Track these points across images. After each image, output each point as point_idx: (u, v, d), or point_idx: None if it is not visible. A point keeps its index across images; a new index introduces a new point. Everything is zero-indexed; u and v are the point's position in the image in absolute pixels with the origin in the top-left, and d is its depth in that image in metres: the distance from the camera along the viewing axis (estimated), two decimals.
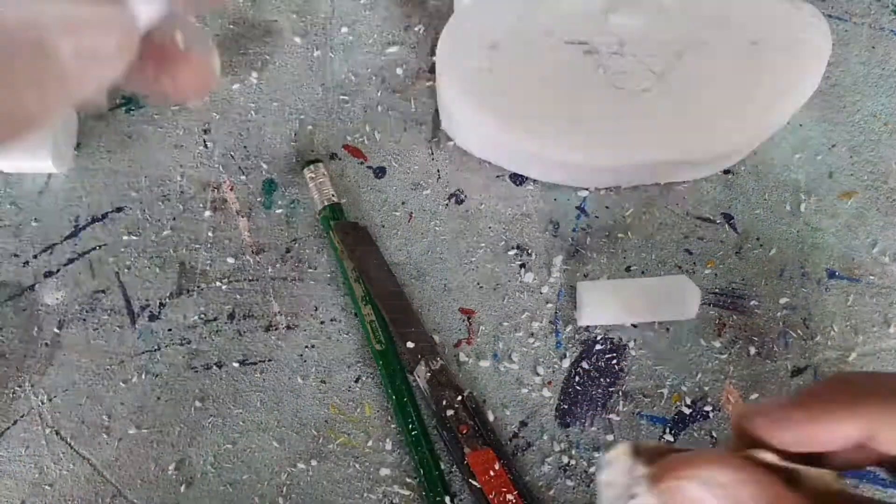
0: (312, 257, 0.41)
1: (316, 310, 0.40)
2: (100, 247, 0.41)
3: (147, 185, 0.42)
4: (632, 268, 0.40)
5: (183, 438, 0.38)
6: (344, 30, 0.45)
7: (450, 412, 0.36)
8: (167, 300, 0.40)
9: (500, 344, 0.39)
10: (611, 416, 0.37)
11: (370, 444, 0.37)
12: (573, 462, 0.37)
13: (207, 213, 0.41)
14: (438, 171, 0.42)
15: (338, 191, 0.41)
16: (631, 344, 0.39)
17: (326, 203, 0.40)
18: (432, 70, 0.44)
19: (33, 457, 0.37)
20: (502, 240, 0.41)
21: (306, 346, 0.39)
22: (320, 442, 0.37)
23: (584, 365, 0.38)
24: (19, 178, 0.42)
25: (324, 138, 0.43)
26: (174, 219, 0.41)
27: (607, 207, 0.41)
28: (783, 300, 0.39)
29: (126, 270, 0.40)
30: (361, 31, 0.45)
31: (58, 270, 0.41)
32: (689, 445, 0.37)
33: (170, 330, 0.39)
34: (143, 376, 0.39)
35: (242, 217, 0.41)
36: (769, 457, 0.21)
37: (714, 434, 0.37)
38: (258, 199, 0.42)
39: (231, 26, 0.45)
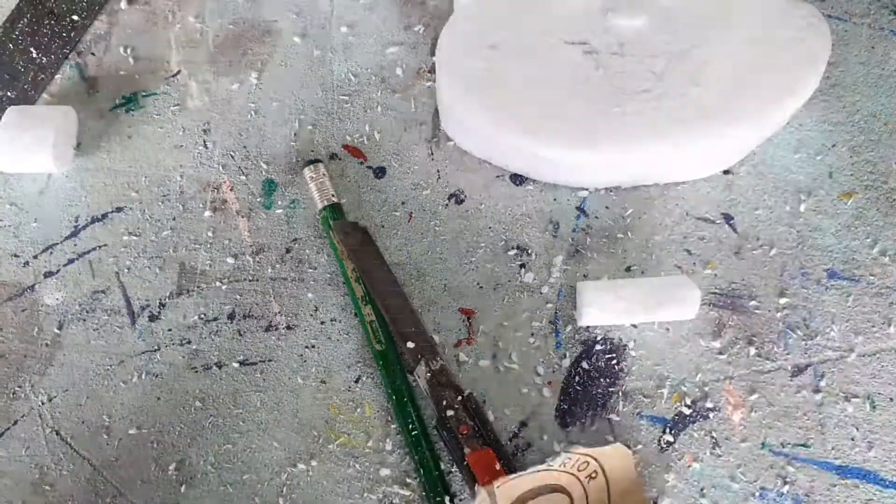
0: (312, 257, 0.41)
1: (316, 310, 0.40)
2: (100, 247, 0.41)
3: (147, 185, 0.42)
4: (632, 268, 0.40)
5: (183, 438, 0.38)
6: (344, 30, 0.45)
7: (450, 412, 0.36)
8: (167, 300, 0.40)
9: (500, 344, 0.39)
10: (611, 416, 0.37)
11: (370, 444, 0.37)
12: None
13: (207, 214, 0.41)
14: (438, 171, 0.42)
15: (338, 191, 0.41)
16: (631, 344, 0.39)
17: (326, 203, 0.40)
18: (432, 70, 0.44)
19: (33, 457, 0.37)
20: (502, 240, 0.41)
21: (306, 347, 0.39)
22: (320, 442, 0.37)
23: (584, 365, 0.38)
24: (19, 178, 0.42)
25: (324, 138, 0.43)
26: (174, 219, 0.41)
27: (607, 207, 0.41)
28: (783, 300, 0.39)
29: (126, 270, 0.40)
30: (361, 31, 0.45)
31: (58, 271, 0.41)
32: (690, 445, 0.37)
33: (170, 330, 0.39)
34: (143, 376, 0.39)
35: (242, 217, 0.41)
36: None
37: (714, 434, 0.37)
38: (258, 199, 0.42)
39: (231, 26, 0.45)
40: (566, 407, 0.38)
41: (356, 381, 0.38)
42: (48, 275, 0.40)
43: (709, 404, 0.37)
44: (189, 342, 0.39)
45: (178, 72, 0.44)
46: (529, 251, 0.40)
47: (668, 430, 0.37)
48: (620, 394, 0.38)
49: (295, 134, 0.43)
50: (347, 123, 0.43)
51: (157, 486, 0.37)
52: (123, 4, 0.46)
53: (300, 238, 0.41)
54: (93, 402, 0.38)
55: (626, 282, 0.38)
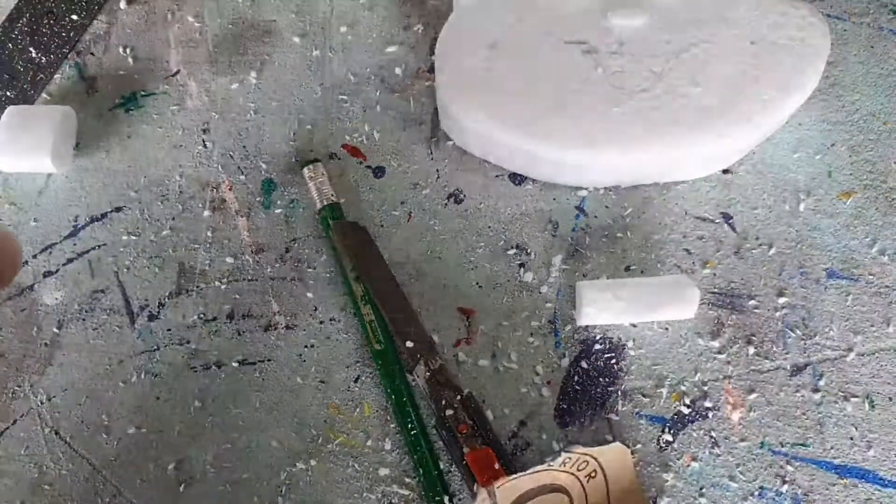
0: (312, 257, 0.41)
1: (315, 310, 0.40)
2: (99, 247, 0.41)
3: (146, 184, 0.42)
4: (631, 267, 0.40)
5: (182, 438, 0.38)
6: (343, 29, 0.45)
7: (449, 412, 0.36)
8: (166, 300, 0.40)
9: (499, 343, 0.39)
10: (610, 415, 0.37)
11: (369, 443, 0.37)
12: None
13: (206, 213, 0.41)
14: (437, 170, 0.42)
15: (337, 190, 0.41)
16: (630, 343, 0.39)
17: (325, 203, 0.40)
18: (431, 70, 0.44)
19: (33, 457, 0.37)
20: (501, 239, 0.41)
21: (305, 346, 0.39)
22: (319, 442, 0.37)
23: (584, 364, 0.38)
24: (18, 177, 0.42)
25: (323, 138, 0.43)
26: (173, 219, 0.41)
27: (606, 207, 0.41)
28: (782, 300, 0.39)
29: (125, 270, 0.40)
30: (360, 31, 0.45)
31: (57, 270, 0.41)
32: (689, 445, 0.37)
33: (169, 330, 0.39)
34: (143, 376, 0.39)
35: (241, 217, 0.41)
36: None
37: (713, 434, 0.37)
38: (257, 199, 0.42)
39: (230, 26, 0.45)
40: (565, 406, 0.38)
41: (355, 381, 0.38)
42: (47, 274, 0.40)
43: (708, 404, 0.37)
44: (188, 342, 0.39)
45: (178, 71, 0.44)
46: (528, 251, 0.40)
47: (667, 430, 0.37)
48: (619, 393, 0.38)
49: (294, 134, 0.43)
50: (346, 123, 0.43)
51: (156, 485, 0.37)
52: (123, 4, 0.46)
53: (299, 238, 0.41)
54: (92, 401, 0.38)
55: (625, 281, 0.38)
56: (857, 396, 0.37)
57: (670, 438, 0.37)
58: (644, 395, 0.38)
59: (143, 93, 0.44)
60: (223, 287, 0.40)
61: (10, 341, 0.39)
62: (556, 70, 0.39)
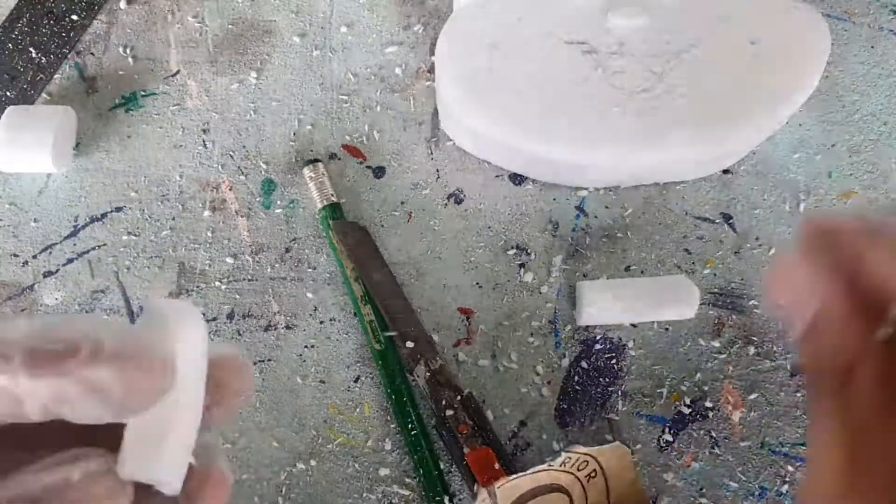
0: (312, 257, 0.41)
1: (315, 310, 0.40)
2: (99, 247, 0.41)
3: (146, 184, 0.42)
4: (631, 267, 0.40)
5: None
6: (343, 29, 0.45)
7: (449, 412, 0.36)
8: None
9: (499, 343, 0.39)
10: (610, 415, 0.37)
11: (369, 443, 0.37)
12: None
13: (207, 213, 0.41)
14: (438, 170, 0.42)
15: (337, 190, 0.41)
16: (630, 344, 0.39)
17: (326, 203, 0.40)
18: (431, 70, 0.44)
19: None
20: (501, 239, 0.41)
21: (305, 346, 0.39)
22: (319, 442, 0.37)
23: (584, 364, 0.38)
24: (18, 177, 0.42)
25: (323, 138, 0.43)
26: (173, 219, 0.41)
27: (607, 207, 0.41)
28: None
29: (125, 270, 0.40)
30: (361, 31, 0.45)
31: (57, 270, 0.41)
32: (689, 445, 0.37)
33: None
34: None
35: (242, 217, 0.41)
36: None
37: (713, 434, 0.37)
38: (257, 199, 0.42)
39: (230, 26, 0.45)
40: (565, 406, 0.38)
41: (355, 381, 0.38)
42: (47, 274, 0.40)
43: (708, 404, 0.37)
44: None
45: (178, 71, 0.44)
46: (529, 251, 0.40)
47: (667, 430, 0.37)
48: (620, 393, 0.38)
49: (294, 134, 0.43)
50: (347, 123, 0.43)
51: None
52: (123, 4, 0.46)
53: (299, 238, 0.41)
54: None
55: (625, 281, 0.38)
56: None
57: (670, 438, 0.37)
58: (644, 395, 0.38)
59: (143, 93, 0.44)
60: (223, 287, 0.40)
61: None
62: (556, 70, 0.39)
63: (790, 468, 0.36)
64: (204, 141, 0.43)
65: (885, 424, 0.19)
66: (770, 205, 0.41)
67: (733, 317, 0.39)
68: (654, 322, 0.39)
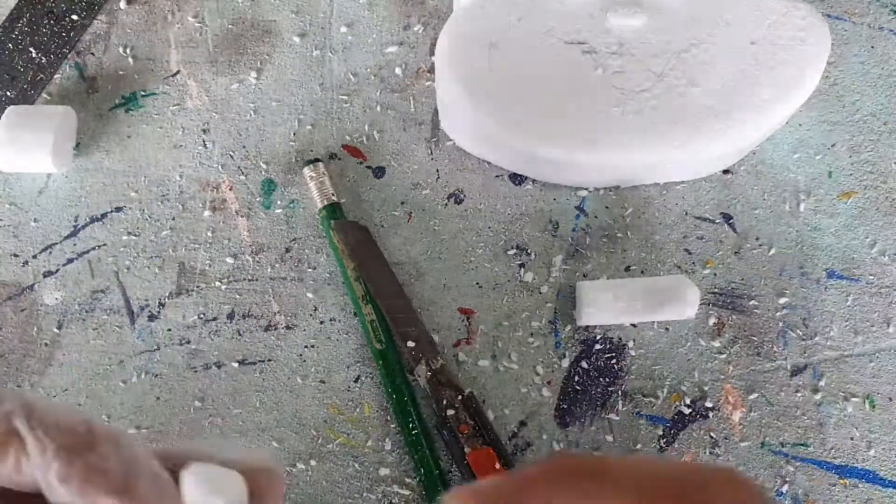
0: (312, 257, 0.41)
1: (315, 310, 0.40)
2: (99, 247, 0.41)
3: (146, 184, 0.42)
4: (631, 267, 0.40)
5: (182, 438, 0.37)
6: (343, 29, 0.45)
7: (450, 412, 0.36)
8: (166, 300, 0.40)
9: (499, 343, 0.39)
10: (610, 415, 0.37)
11: (370, 443, 0.37)
12: None
13: (207, 213, 0.41)
14: (438, 170, 0.42)
15: (337, 190, 0.41)
16: (630, 344, 0.39)
17: (326, 202, 0.40)
18: (432, 70, 0.44)
19: None
20: (502, 239, 0.41)
21: (306, 346, 0.39)
22: (319, 442, 0.37)
23: (584, 364, 0.38)
24: (18, 177, 0.42)
25: (323, 138, 0.43)
26: (173, 219, 0.41)
27: (607, 207, 0.41)
28: (782, 300, 0.39)
29: (125, 270, 0.40)
30: (361, 31, 0.45)
31: (57, 270, 0.41)
32: (689, 445, 0.37)
33: (169, 330, 0.39)
34: (143, 376, 0.39)
35: (242, 217, 0.41)
36: None
37: (713, 434, 0.37)
38: (257, 199, 0.42)
39: (230, 26, 0.45)
40: (565, 406, 0.38)
41: (356, 381, 0.38)
42: (47, 274, 0.40)
43: (708, 404, 0.37)
44: (188, 342, 0.39)
45: (178, 71, 0.44)
46: (529, 251, 0.40)
47: (667, 430, 0.37)
48: (620, 393, 0.38)
49: (294, 134, 0.43)
50: (347, 123, 0.43)
51: None
52: (123, 4, 0.46)
53: (300, 238, 0.41)
54: (92, 401, 0.38)
55: (625, 281, 0.38)
56: (857, 396, 0.37)
57: (670, 438, 0.37)
58: (644, 396, 0.38)
59: (143, 93, 0.44)
60: (223, 287, 0.40)
61: (10, 341, 0.39)
62: (556, 70, 0.39)
63: (790, 468, 0.36)
64: (204, 141, 0.43)
65: None
66: (770, 205, 0.41)
67: (733, 317, 0.39)
68: (654, 322, 0.39)
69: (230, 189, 0.42)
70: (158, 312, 0.40)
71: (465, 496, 0.21)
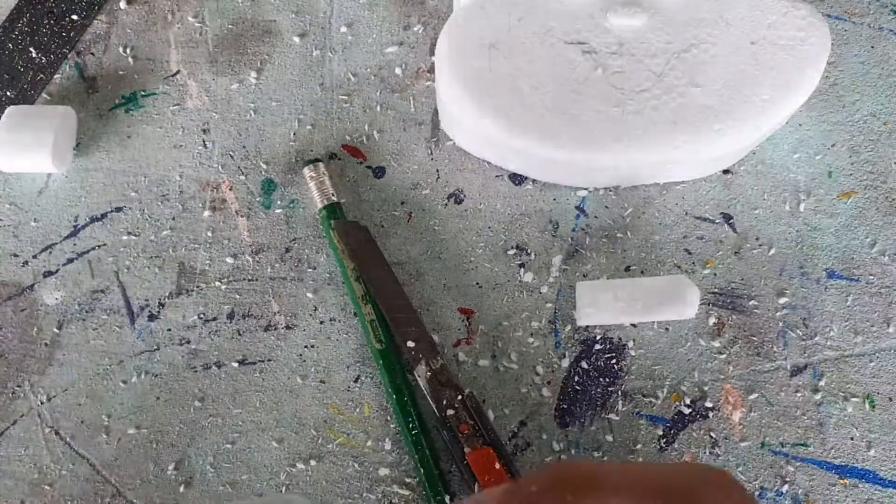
0: (312, 257, 0.41)
1: (315, 310, 0.40)
2: (99, 247, 0.41)
3: (146, 184, 0.42)
4: (631, 268, 0.40)
5: (182, 438, 0.38)
6: (343, 29, 0.45)
7: (450, 412, 0.36)
8: (166, 300, 0.40)
9: (499, 344, 0.39)
10: (610, 415, 0.37)
11: (369, 443, 0.37)
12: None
13: (207, 213, 0.41)
14: (438, 170, 0.42)
15: (337, 190, 0.41)
16: (630, 344, 0.39)
17: (326, 202, 0.40)
18: (432, 70, 0.44)
19: (33, 457, 0.37)
20: (501, 239, 0.41)
21: (305, 346, 0.39)
22: (319, 442, 0.37)
23: (584, 365, 0.38)
24: (18, 177, 0.42)
25: (323, 138, 0.43)
26: (173, 219, 0.41)
27: (606, 207, 0.41)
28: (782, 300, 0.39)
29: (125, 270, 0.40)
30: (361, 31, 0.45)
31: (57, 270, 0.41)
32: (689, 445, 0.37)
33: (169, 330, 0.39)
34: (143, 376, 0.39)
35: (242, 217, 0.41)
36: None
37: (713, 434, 0.37)
38: (257, 199, 0.42)
39: (230, 26, 0.45)
40: (565, 406, 0.38)
41: (356, 381, 0.38)
42: (47, 274, 0.40)
43: (708, 404, 0.37)
44: (188, 342, 0.39)
45: (178, 71, 0.44)
46: (528, 251, 0.40)
47: (667, 430, 0.37)
48: (620, 393, 0.38)
49: (294, 134, 0.43)
50: (347, 123, 0.43)
51: (156, 485, 0.37)
52: (123, 4, 0.46)
53: (299, 238, 0.41)
54: (92, 401, 0.38)
55: (625, 281, 0.38)
56: (857, 396, 0.37)
57: (670, 438, 0.37)
58: (644, 395, 0.38)
59: (143, 93, 0.44)
60: (223, 287, 0.40)
61: (10, 341, 0.39)
62: (556, 70, 0.39)
63: (790, 468, 0.36)
64: (204, 141, 0.43)
65: None
66: (770, 205, 0.41)
67: (733, 317, 0.39)
68: (654, 322, 0.39)
69: (230, 189, 0.42)
70: (158, 312, 0.40)
71: None
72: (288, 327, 0.39)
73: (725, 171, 0.42)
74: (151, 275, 0.40)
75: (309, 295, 0.40)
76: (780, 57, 0.38)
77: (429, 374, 0.36)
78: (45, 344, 0.39)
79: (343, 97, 0.44)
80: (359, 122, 0.43)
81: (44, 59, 0.45)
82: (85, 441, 0.38)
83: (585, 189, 0.42)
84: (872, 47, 0.44)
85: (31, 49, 0.45)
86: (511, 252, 0.40)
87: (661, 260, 0.40)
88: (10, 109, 0.41)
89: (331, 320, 0.39)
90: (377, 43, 0.45)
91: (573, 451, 0.37)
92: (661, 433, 0.37)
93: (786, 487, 0.36)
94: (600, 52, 0.39)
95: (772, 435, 0.37)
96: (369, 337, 0.38)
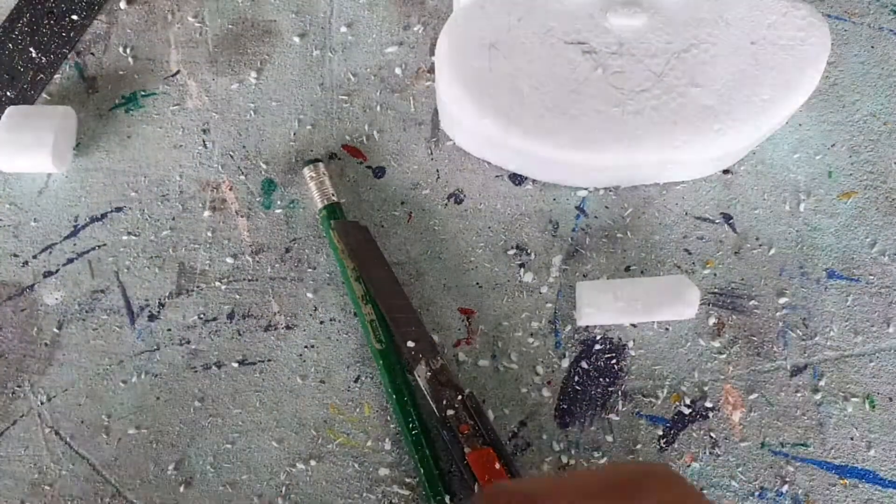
0: (312, 257, 0.41)
1: (315, 310, 0.40)
2: (99, 247, 0.41)
3: (146, 184, 0.42)
4: (631, 268, 0.40)
5: (182, 438, 0.38)
6: (343, 29, 0.45)
7: (450, 412, 0.36)
8: (166, 300, 0.40)
9: (499, 344, 0.39)
10: (610, 416, 0.37)
11: (369, 444, 0.37)
12: (572, 462, 0.37)
13: (207, 213, 0.41)
14: (437, 170, 0.42)
15: (337, 190, 0.41)
16: (630, 344, 0.39)
17: (326, 202, 0.40)
18: (431, 70, 0.44)
19: (33, 457, 0.37)
20: (501, 239, 0.41)
21: (305, 346, 0.39)
22: (319, 442, 0.37)
23: (584, 365, 0.38)
24: (19, 177, 0.42)
25: (323, 138, 0.43)
26: (173, 219, 0.41)
27: (606, 207, 0.41)
28: (782, 300, 0.39)
29: (125, 270, 0.40)
30: (361, 31, 0.45)
31: (57, 270, 0.41)
32: (689, 445, 0.37)
33: (169, 330, 0.39)
34: (143, 376, 0.39)
35: (242, 217, 0.41)
36: None
37: (713, 434, 0.37)
38: (257, 199, 0.42)
39: (230, 26, 0.45)
40: (565, 407, 0.38)
41: (356, 381, 0.38)
42: (47, 274, 0.40)
43: (708, 404, 0.37)
44: (188, 342, 0.39)
45: (178, 71, 0.44)
46: (528, 251, 0.40)
47: (667, 430, 0.37)
48: (620, 393, 0.38)
49: (294, 134, 0.43)
50: (347, 123, 0.43)
51: (156, 485, 0.37)
52: (123, 4, 0.46)
53: (299, 238, 0.41)
54: (92, 401, 0.38)
55: (625, 282, 0.38)
56: (857, 396, 0.37)
57: (670, 438, 0.37)
58: (644, 395, 0.38)
59: (143, 93, 0.44)
60: (223, 287, 0.40)
61: (10, 341, 0.39)
62: (555, 70, 0.39)
63: (790, 468, 0.36)
64: (204, 141, 0.43)
65: None
66: (770, 205, 0.41)
67: (733, 317, 0.39)
68: (654, 322, 0.39)
69: (230, 189, 0.42)
70: (158, 312, 0.40)
71: None
72: (288, 327, 0.39)
73: (725, 171, 0.42)
74: (151, 275, 0.40)
75: (309, 295, 0.40)
76: (780, 57, 0.38)
77: (429, 374, 0.36)
78: (45, 344, 0.39)
79: (343, 97, 0.44)
80: (359, 122, 0.43)
81: (44, 59, 0.45)
82: (85, 441, 0.38)
83: (585, 189, 0.42)
84: (872, 47, 0.44)
85: (31, 49, 0.45)
86: (511, 252, 0.40)
87: (661, 260, 0.40)
88: (10, 109, 0.41)
89: (331, 320, 0.39)
90: (377, 43, 0.45)
91: (573, 452, 0.37)
92: (661, 433, 0.37)
93: (786, 487, 0.36)
94: (600, 52, 0.39)
95: (772, 435, 0.37)
96: (369, 337, 0.38)
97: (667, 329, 0.39)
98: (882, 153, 0.42)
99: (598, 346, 0.39)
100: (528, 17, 0.40)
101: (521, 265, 0.40)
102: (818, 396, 0.37)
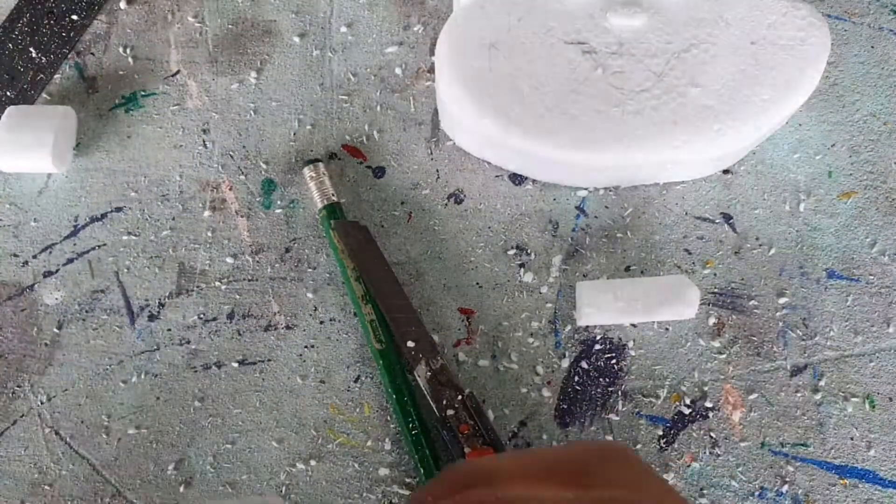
0: (312, 257, 0.41)
1: (315, 310, 0.40)
2: (99, 247, 0.41)
3: (146, 184, 0.42)
4: (631, 268, 0.40)
5: (182, 438, 0.38)
6: (343, 29, 0.45)
7: (450, 412, 0.36)
8: (166, 300, 0.40)
9: (499, 344, 0.39)
10: (610, 415, 0.37)
11: (369, 444, 0.37)
12: None
13: (207, 213, 0.41)
14: (437, 170, 0.42)
15: (337, 190, 0.41)
16: (630, 344, 0.39)
17: (326, 202, 0.40)
18: (432, 70, 0.44)
19: (33, 457, 0.37)
20: (501, 239, 0.41)
21: (305, 346, 0.39)
22: (319, 442, 0.37)
23: (584, 365, 0.38)
24: (18, 177, 0.42)
25: (323, 138, 0.43)
26: (173, 219, 0.41)
27: (606, 207, 0.41)
28: (782, 300, 0.39)
29: (125, 270, 0.40)
30: (361, 31, 0.45)
31: (57, 270, 0.41)
32: (689, 445, 0.37)
33: (169, 330, 0.39)
34: (143, 376, 0.39)
35: (242, 217, 0.41)
36: None
37: (713, 434, 0.37)
38: (257, 199, 0.42)
39: (230, 26, 0.45)
40: (565, 407, 0.38)
41: (356, 381, 0.38)
42: (47, 274, 0.40)
43: (708, 404, 0.37)
44: (188, 342, 0.39)
45: (178, 71, 0.44)
46: (528, 251, 0.40)
47: (667, 430, 0.37)
48: (620, 393, 0.38)
49: (294, 134, 0.43)
50: (347, 123, 0.43)
51: (156, 485, 0.37)
52: (123, 4, 0.46)
53: (299, 238, 0.41)
54: (92, 401, 0.38)
55: (625, 281, 0.38)
56: (857, 396, 0.37)
57: (670, 438, 0.37)
58: (644, 396, 0.38)
59: (143, 93, 0.44)
60: (223, 287, 0.40)
61: (10, 341, 0.39)
62: (555, 70, 0.39)
63: (790, 468, 0.36)
64: (204, 141, 0.43)
65: None
66: (770, 205, 0.41)
67: (733, 317, 0.39)
68: (654, 322, 0.39)
69: (230, 189, 0.42)
70: (158, 312, 0.40)
71: None
72: (288, 327, 0.39)
73: (725, 171, 0.42)
74: (151, 275, 0.40)
75: (309, 295, 0.40)
76: (780, 57, 0.38)
77: (429, 374, 0.36)
78: (45, 344, 0.39)
79: (343, 97, 0.44)
80: (359, 122, 0.43)
81: (44, 59, 0.45)
82: (85, 441, 0.38)
83: (585, 189, 0.42)
84: (872, 47, 0.44)
85: (31, 49, 0.45)
86: (511, 252, 0.40)
87: (661, 260, 0.40)
88: (10, 109, 0.41)
89: (331, 320, 0.39)
90: (377, 43, 0.45)
91: None
92: (661, 433, 0.37)
93: (786, 487, 0.36)
94: (600, 52, 0.39)
95: (772, 435, 0.37)
96: (369, 337, 0.38)
97: (667, 329, 0.39)
98: (882, 153, 0.42)
99: (598, 346, 0.39)
100: (528, 17, 0.40)
101: (521, 265, 0.40)
102: (818, 396, 0.37)
